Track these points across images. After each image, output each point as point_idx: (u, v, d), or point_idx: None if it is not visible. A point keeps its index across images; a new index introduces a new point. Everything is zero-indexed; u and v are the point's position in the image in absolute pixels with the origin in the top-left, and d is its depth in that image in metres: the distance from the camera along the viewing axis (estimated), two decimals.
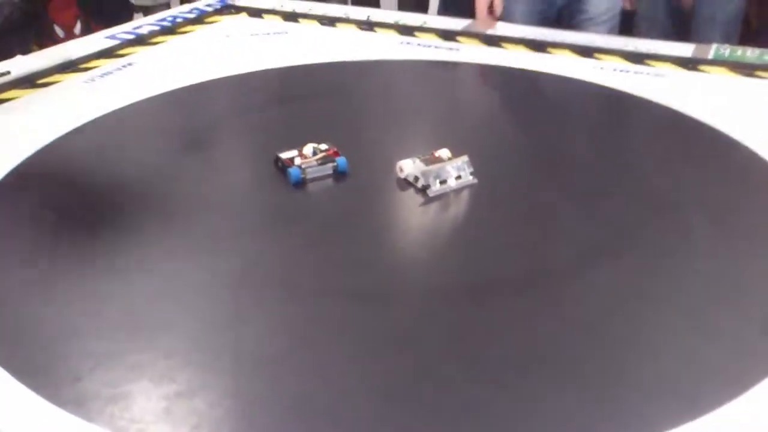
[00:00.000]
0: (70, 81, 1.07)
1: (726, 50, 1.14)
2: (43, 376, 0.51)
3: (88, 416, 0.48)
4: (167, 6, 2.07)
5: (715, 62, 1.10)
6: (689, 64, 1.10)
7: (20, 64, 1.10)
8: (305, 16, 1.36)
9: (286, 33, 1.29)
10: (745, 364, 0.52)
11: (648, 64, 1.10)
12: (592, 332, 0.56)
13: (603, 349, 0.54)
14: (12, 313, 0.58)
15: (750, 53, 1.13)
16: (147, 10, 2.07)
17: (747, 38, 1.64)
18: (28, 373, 0.51)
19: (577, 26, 1.46)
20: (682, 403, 0.48)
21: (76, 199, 0.76)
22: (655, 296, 0.60)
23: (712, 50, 1.14)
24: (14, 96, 1.01)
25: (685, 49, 1.15)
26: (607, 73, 1.07)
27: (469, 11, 1.32)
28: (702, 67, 1.09)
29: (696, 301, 0.59)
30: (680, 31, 1.71)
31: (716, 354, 0.53)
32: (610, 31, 1.47)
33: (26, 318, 0.58)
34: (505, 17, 1.34)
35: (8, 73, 1.06)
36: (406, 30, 1.27)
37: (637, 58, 1.12)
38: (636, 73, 1.07)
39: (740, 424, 0.47)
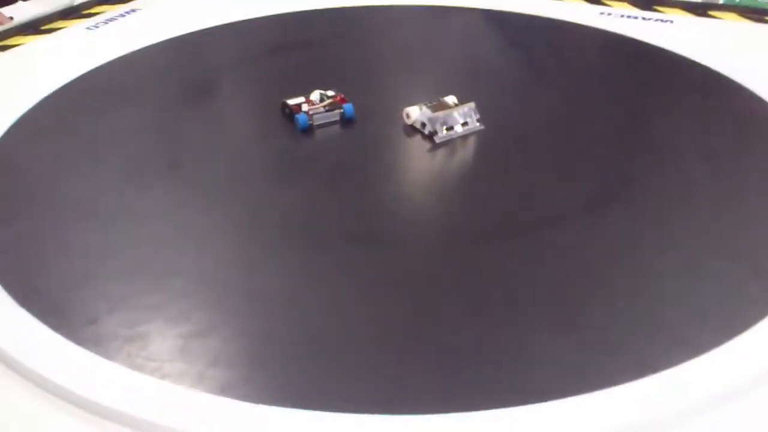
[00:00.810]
0: (73, 27, 1.06)
1: None
2: (62, 317, 0.52)
3: (106, 354, 0.49)
4: None
5: (726, 7, 1.08)
6: (699, 9, 1.08)
7: (24, 10, 1.09)
8: None
9: None
10: (739, 307, 0.53)
11: (657, 10, 1.09)
12: (591, 277, 0.57)
13: (601, 293, 0.55)
14: (29, 259, 0.59)
15: None
16: None
17: None
18: (48, 314, 0.53)
19: None
20: (678, 344, 0.50)
21: (83, 146, 0.76)
22: (652, 242, 0.61)
23: None
24: (18, 42, 1.01)
25: None
26: (615, 19, 1.06)
27: None
28: (712, 12, 1.07)
29: (692, 246, 0.60)
30: None
31: (711, 297, 0.54)
32: None
33: (43, 263, 0.59)
34: None
35: (11, 18, 1.06)
36: None
37: (646, 3, 1.11)
38: (644, 19, 1.06)
39: (735, 366, 0.48)
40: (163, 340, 0.51)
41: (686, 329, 0.51)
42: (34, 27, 1.05)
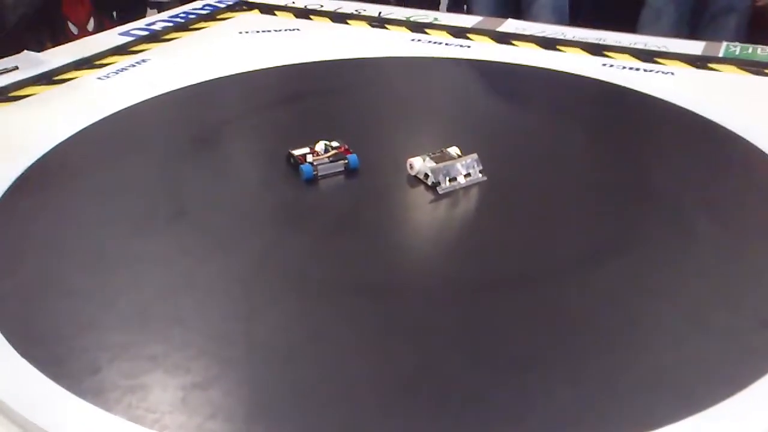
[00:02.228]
0: (85, 77, 1.09)
1: (736, 48, 1.14)
2: (63, 367, 0.53)
3: (106, 406, 0.49)
4: (181, 2, 2.08)
5: (725, 60, 1.10)
6: (699, 61, 1.10)
7: (37, 61, 1.12)
8: (317, 12, 1.37)
9: (298, 30, 1.30)
10: (743, 361, 0.53)
11: (658, 62, 1.11)
12: (593, 329, 0.57)
13: (603, 346, 0.55)
14: (32, 306, 0.60)
15: (761, 51, 1.13)
16: (161, 6, 2.09)
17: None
18: (49, 365, 0.53)
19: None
20: (680, 399, 0.49)
21: (91, 194, 0.77)
22: (656, 293, 0.61)
23: (723, 48, 1.14)
24: (32, 92, 1.03)
25: (695, 47, 1.16)
26: (617, 71, 1.08)
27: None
28: (712, 65, 1.09)
29: (695, 298, 0.60)
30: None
31: (714, 351, 0.54)
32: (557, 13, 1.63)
33: (46, 311, 0.59)
34: None
35: (16, 68, 1.08)
36: (417, 27, 1.28)
37: (647, 55, 1.12)
38: (645, 70, 1.08)
39: (737, 422, 0.48)
40: (163, 391, 0.51)
41: (689, 383, 0.51)
42: (48, 77, 1.07)
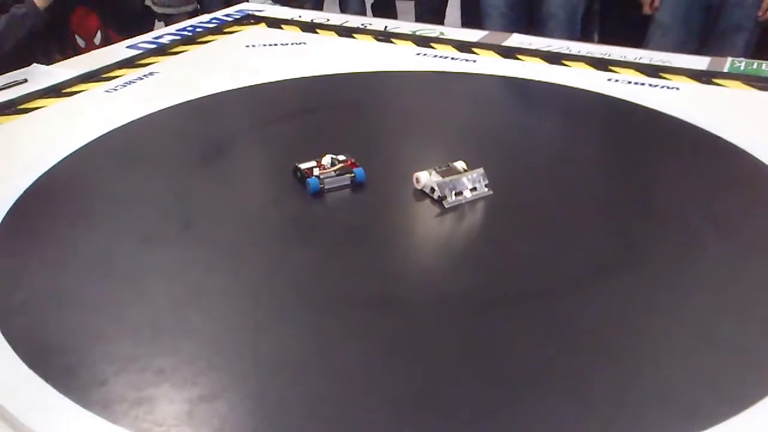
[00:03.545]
0: (93, 90, 1.10)
1: (741, 63, 1.15)
2: (71, 379, 0.53)
3: (113, 418, 0.49)
4: (189, 15, 2.10)
5: (730, 75, 1.10)
6: (704, 76, 1.10)
7: (46, 74, 1.13)
8: (323, 26, 1.38)
9: (305, 43, 1.31)
10: (751, 377, 0.53)
11: (663, 77, 1.11)
12: (599, 344, 0.57)
13: (610, 361, 0.55)
14: (40, 318, 0.60)
15: (765, 66, 1.13)
16: (168, 19, 2.10)
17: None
18: (57, 377, 0.53)
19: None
20: (687, 415, 0.49)
21: (99, 207, 0.78)
22: (662, 308, 0.61)
23: (728, 63, 1.15)
24: (40, 105, 1.04)
25: (700, 62, 1.16)
26: (622, 86, 1.08)
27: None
28: (717, 80, 1.10)
29: (702, 313, 0.60)
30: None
31: (721, 366, 0.54)
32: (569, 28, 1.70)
33: (53, 323, 0.60)
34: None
35: (25, 81, 1.09)
36: (423, 41, 1.29)
37: (652, 70, 1.13)
38: (651, 85, 1.08)
39: None
40: (170, 403, 0.51)
41: (696, 399, 0.51)
42: (56, 90, 1.08)
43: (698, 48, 1.76)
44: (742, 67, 1.13)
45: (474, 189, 0.77)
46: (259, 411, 0.51)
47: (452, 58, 1.21)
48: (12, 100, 1.03)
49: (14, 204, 0.77)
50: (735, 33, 1.77)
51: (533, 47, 1.24)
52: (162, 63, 1.21)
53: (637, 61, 1.16)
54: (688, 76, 1.11)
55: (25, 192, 0.79)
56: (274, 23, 1.42)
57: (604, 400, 0.51)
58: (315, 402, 0.51)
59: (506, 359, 0.55)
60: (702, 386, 0.52)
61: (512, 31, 1.36)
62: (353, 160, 0.81)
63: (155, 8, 2.18)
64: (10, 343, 0.56)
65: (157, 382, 0.53)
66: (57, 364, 0.55)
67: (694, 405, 0.51)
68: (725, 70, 1.12)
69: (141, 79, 1.14)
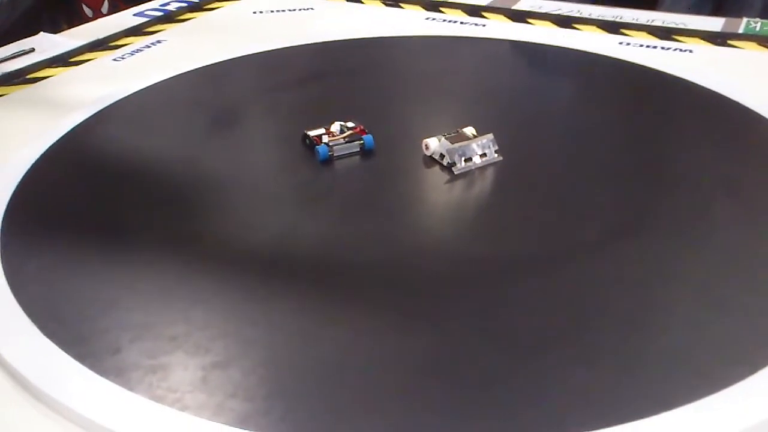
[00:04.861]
0: (100, 59, 1.09)
1: (757, 24, 1.12)
2: (86, 346, 0.54)
3: (128, 385, 0.50)
4: None
5: (745, 36, 1.08)
6: (718, 38, 1.08)
7: (53, 43, 1.12)
8: None
9: (312, 9, 1.29)
10: (761, 341, 0.53)
11: (676, 40, 1.09)
12: (610, 310, 0.57)
13: (620, 327, 0.55)
14: (55, 287, 0.61)
15: None
16: None
17: None
18: (72, 345, 0.54)
19: None
20: (697, 379, 0.49)
21: (110, 176, 0.78)
22: (673, 274, 0.61)
23: (743, 24, 1.13)
24: (48, 74, 1.04)
25: (714, 23, 1.14)
26: (635, 49, 1.06)
27: None
28: (731, 42, 1.08)
29: (713, 279, 0.60)
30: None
31: (732, 332, 0.54)
32: None
33: (68, 291, 0.60)
34: None
35: (32, 50, 1.09)
36: (432, 5, 1.27)
37: (665, 33, 1.11)
38: (663, 48, 1.06)
39: (755, 401, 0.48)
40: (184, 370, 0.51)
41: (706, 363, 0.51)
42: (63, 60, 1.07)
43: (713, 10, 1.72)
44: (757, 28, 1.11)
45: (484, 155, 0.76)
46: (271, 377, 0.51)
47: (461, 23, 1.20)
48: (20, 69, 1.03)
49: (25, 174, 0.77)
50: None
51: (543, 10, 1.22)
52: (169, 31, 1.20)
53: (649, 23, 1.14)
54: (702, 38, 1.09)
55: (34, 162, 0.80)
56: None
57: (614, 366, 0.51)
58: (326, 368, 0.52)
59: (517, 325, 0.55)
60: (714, 349, 0.52)
61: None
62: (362, 127, 0.81)
63: None
64: (25, 311, 0.57)
65: (170, 350, 0.53)
66: (72, 331, 0.55)
67: (707, 368, 0.51)
68: (740, 31, 1.10)
69: (148, 47, 1.13)
